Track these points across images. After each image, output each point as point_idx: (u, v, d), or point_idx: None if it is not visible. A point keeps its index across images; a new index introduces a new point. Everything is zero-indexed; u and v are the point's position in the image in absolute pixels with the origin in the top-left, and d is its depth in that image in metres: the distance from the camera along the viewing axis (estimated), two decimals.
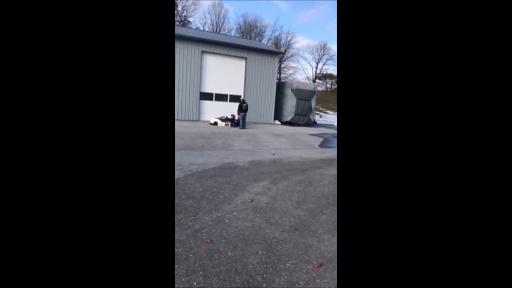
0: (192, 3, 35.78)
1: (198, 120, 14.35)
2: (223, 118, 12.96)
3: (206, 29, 33.89)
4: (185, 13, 34.65)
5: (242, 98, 13.30)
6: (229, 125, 12.58)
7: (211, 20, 37.20)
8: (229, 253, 2.17)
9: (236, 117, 13.10)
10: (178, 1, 33.30)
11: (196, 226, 2.59)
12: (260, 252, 2.22)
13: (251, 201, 3.35)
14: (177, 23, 32.10)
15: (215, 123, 12.54)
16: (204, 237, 2.39)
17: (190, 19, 35.39)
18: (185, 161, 5.16)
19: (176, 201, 3.16)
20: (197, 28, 30.89)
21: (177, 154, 5.75)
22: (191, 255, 2.10)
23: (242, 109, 12.33)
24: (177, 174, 4.23)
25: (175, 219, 2.69)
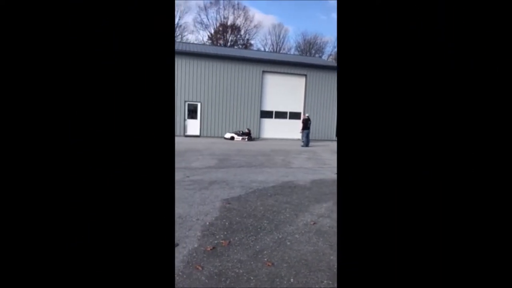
0: (254, 27, 37.66)
1: (259, 138, 14.64)
2: (239, 132, 13.30)
3: (267, 50, 35.14)
4: (247, 36, 36.62)
5: (307, 115, 13.10)
6: (246, 139, 12.84)
7: (271, 41, 38.52)
8: (292, 280, 2.05)
9: (300, 134, 12.96)
10: (240, 25, 35.40)
11: (257, 247, 2.54)
12: (325, 282, 2.05)
13: (314, 223, 3.18)
14: (239, 46, 34.02)
15: (232, 138, 12.79)
16: (265, 259, 2.32)
17: (252, 42, 37.21)
18: (246, 178, 5.24)
19: (237, 219, 3.19)
20: (258, 49, 32.23)
21: (239, 171, 5.89)
22: (252, 278, 2.04)
23: (307, 126, 12.10)
24: (239, 191, 4.30)
25: (237, 238, 2.69)
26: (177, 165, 6.21)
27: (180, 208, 3.41)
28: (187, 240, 2.58)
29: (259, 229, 2.92)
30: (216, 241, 2.60)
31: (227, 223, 3.04)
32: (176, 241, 2.56)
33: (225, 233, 2.79)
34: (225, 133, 13.43)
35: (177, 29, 33.20)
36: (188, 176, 5.16)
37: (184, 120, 13.77)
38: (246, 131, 13.38)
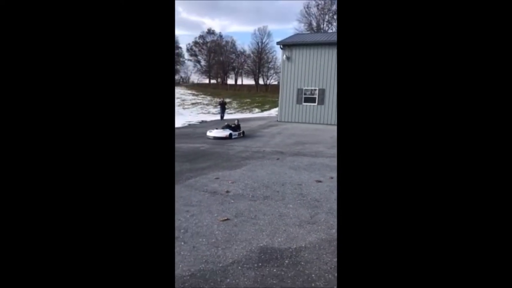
0: None
1: None
2: (230, 127, 8.63)
3: None
4: None
5: None
6: (241, 135, 8.67)
7: None
8: None
9: None
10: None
11: None
12: None
13: None
14: None
15: (230, 136, 8.09)
16: None
17: None
18: None
19: None
20: None
21: None
22: None
23: None
24: None
25: None
26: None
27: None
28: None
29: None
30: None
31: None
32: None
33: None
34: (210, 131, 8.46)
35: None
36: None
37: None
38: (236, 123, 9.04)
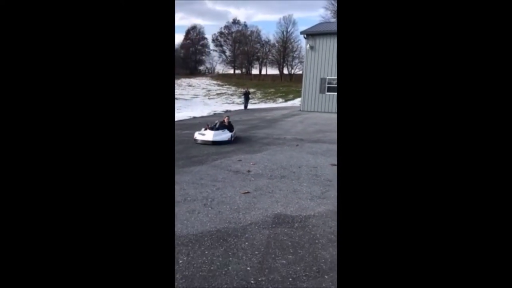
0: None
1: None
2: (214, 127, 6.18)
3: None
4: None
5: None
6: (234, 137, 6.32)
7: None
8: None
9: None
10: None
11: None
12: None
13: None
14: None
15: (230, 140, 5.97)
16: None
17: None
18: None
19: None
20: None
21: None
22: None
23: None
24: None
25: None
26: None
27: None
28: None
29: None
30: None
31: None
32: None
33: None
34: (202, 134, 5.91)
35: None
36: None
37: None
38: (226, 121, 6.50)
